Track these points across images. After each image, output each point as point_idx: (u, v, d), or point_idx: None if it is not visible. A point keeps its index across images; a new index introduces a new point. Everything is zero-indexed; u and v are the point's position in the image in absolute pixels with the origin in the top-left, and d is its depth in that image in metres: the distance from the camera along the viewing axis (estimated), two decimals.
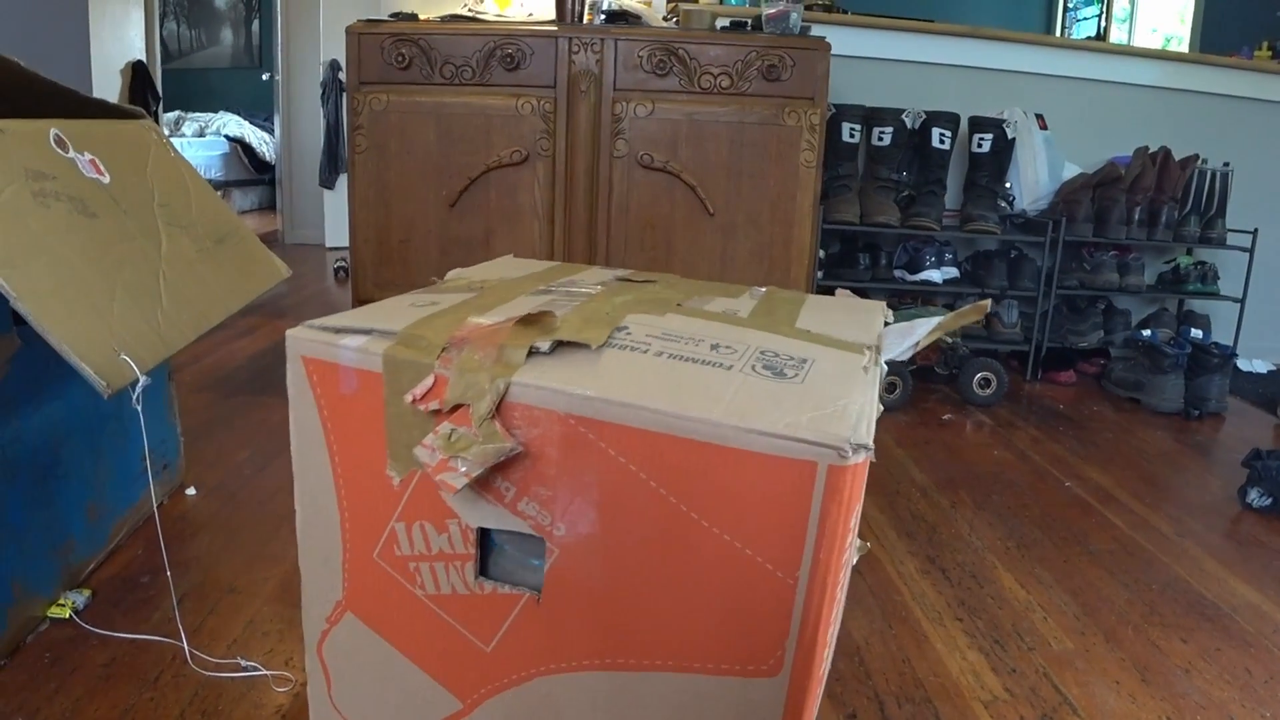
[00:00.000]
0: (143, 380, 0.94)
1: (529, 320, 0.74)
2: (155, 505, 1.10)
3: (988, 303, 0.90)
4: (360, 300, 2.21)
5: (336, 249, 3.95)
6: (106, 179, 1.13)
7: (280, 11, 4.29)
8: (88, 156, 1.12)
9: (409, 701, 0.84)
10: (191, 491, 1.53)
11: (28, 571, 1.08)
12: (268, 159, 4.87)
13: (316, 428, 0.77)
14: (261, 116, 5.11)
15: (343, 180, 4.02)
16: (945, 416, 2.25)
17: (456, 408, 0.69)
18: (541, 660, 0.76)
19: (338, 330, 0.75)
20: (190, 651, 1.06)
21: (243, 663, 1.06)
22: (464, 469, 0.67)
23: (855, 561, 0.82)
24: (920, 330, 0.86)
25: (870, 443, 0.62)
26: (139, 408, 0.95)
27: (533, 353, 0.71)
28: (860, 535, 1.48)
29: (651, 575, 0.69)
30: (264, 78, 4.59)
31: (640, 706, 0.73)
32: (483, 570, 0.76)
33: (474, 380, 0.69)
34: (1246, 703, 1.10)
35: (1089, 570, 1.44)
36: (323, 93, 3.94)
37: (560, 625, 0.74)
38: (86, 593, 1.17)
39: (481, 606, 0.76)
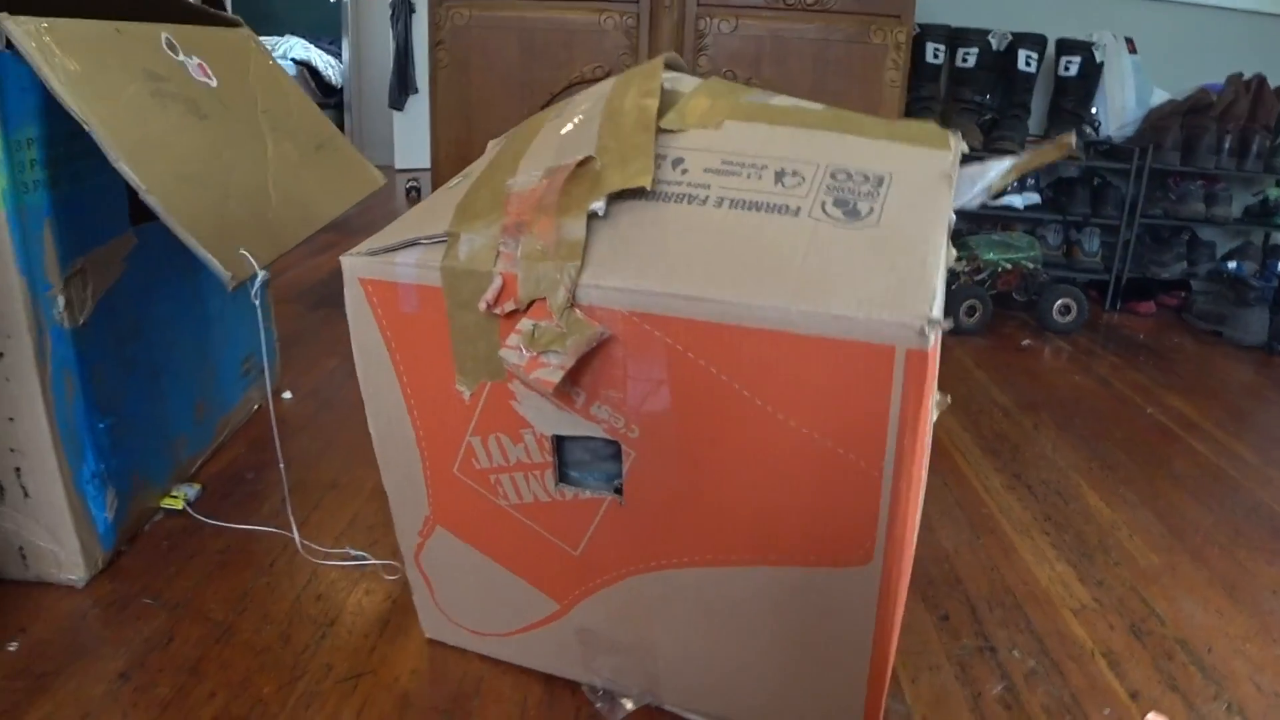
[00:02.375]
0: (261, 275, 0.98)
1: (572, 178, 0.70)
2: (270, 400, 1.13)
3: (1071, 138, 0.80)
4: None
5: (407, 170, 3.97)
6: (214, 83, 1.15)
7: None
8: (196, 60, 1.14)
9: (509, 604, 0.86)
10: (288, 395, 1.59)
11: (145, 464, 1.14)
12: (334, 83, 4.89)
13: (381, 350, 0.76)
14: (327, 40, 5.12)
15: (413, 101, 4.03)
16: (1024, 342, 2.23)
17: (530, 305, 0.67)
18: (630, 561, 0.76)
19: (389, 249, 0.72)
20: (301, 541, 1.11)
21: (351, 552, 1.11)
22: (557, 361, 0.65)
23: (936, 418, 0.77)
24: (994, 170, 0.78)
25: (940, 313, 0.58)
26: (257, 302, 0.99)
27: (590, 217, 0.67)
28: (943, 451, 1.49)
29: (731, 472, 0.68)
30: (331, 1, 4.59)
31: (732, 600, 0.74)
32: (563, 477, 0.76)
33: (544, 272, 0.66)
34: None
35: (1173, 493, 1.43)
36: (392, 14, 3.94)
37: (645, 526, 0.74)
38: (197, 486, 1.23)
39: (565, 512, 0.77)
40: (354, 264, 0.74)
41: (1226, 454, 1.61)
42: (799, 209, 0.67)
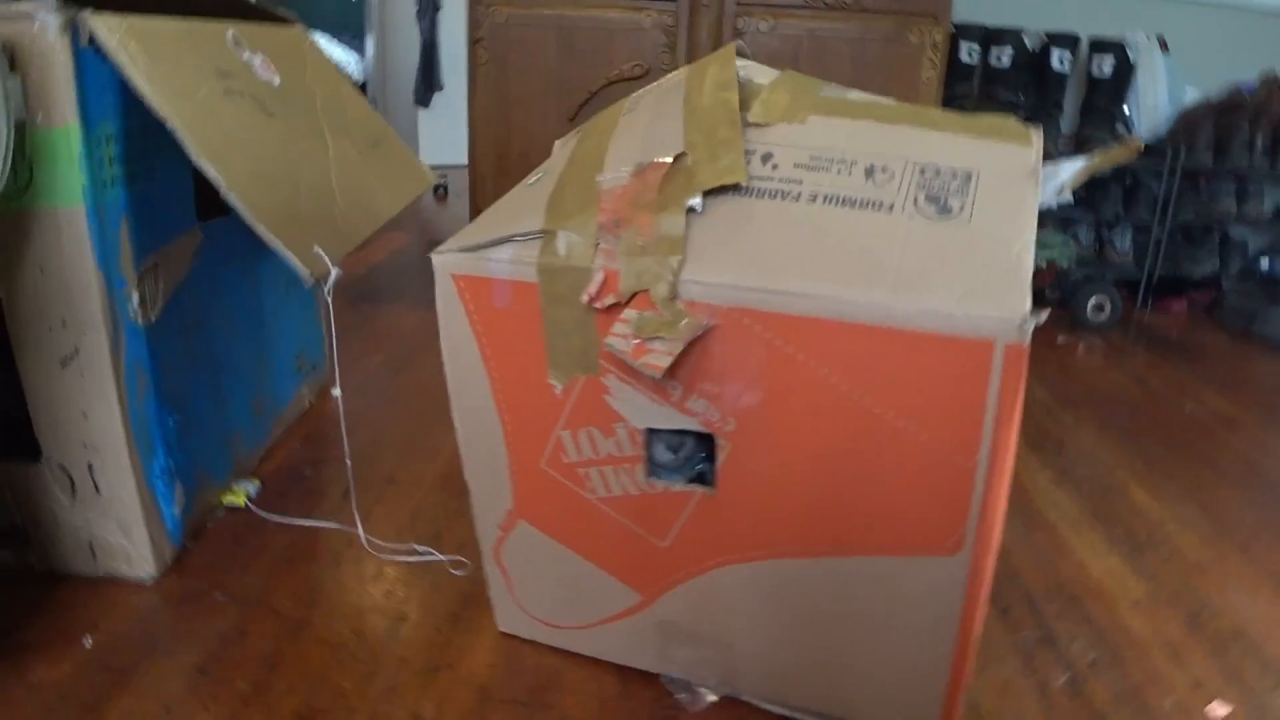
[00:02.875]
0: (335, 272, 0.99)
1: (666, 175, 0.71)
2: (338, 390, 1.14)
3: (1139, 141, 0.84)
4: (478, 211, 2.25)
5: (434, 167, 3.98)
6: (277, 80, 1.17)
7: None
8: (259, 58, 1.16)
9: (591, 596, 0.87)
10: (337, 392, 1.60)
11: (208, 460, 1.15)
12: (356, 79, 4.91)
13: (471, 344, 0.77)
14: (348, 36, 5.14)
15: (438, 98, 4.04)
16: (1059, 339, 2.24)
17: (632, 298, 0.69)
18: (718, 553, 0.78)
19: (483, 246, 0.74)
20: (366, 537, 1.12)
21: (417, 548, 1.12)
22: (664, 348, 0.66)
23: None
24: (1066, 171, 0.80)
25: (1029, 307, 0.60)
26: (330, 298, 1.00)
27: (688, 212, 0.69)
28: None
29: (824, 465, 0.69)
30: None
31: (819, 590, 0.75)
32: (649, 471, 0.78)
33: (646, 266, 0.68)
34: None
35: (1218, 489, 1.44)
36: (418, 9, 3.95)
37: (735, 519, 0.75)
38: (256, 482, 1.24)
39: (654, 505, 0.78)
40: (446, 260, 0.75)
41: (1269, 451, 1.62)
42: (892, 205, 0.68)
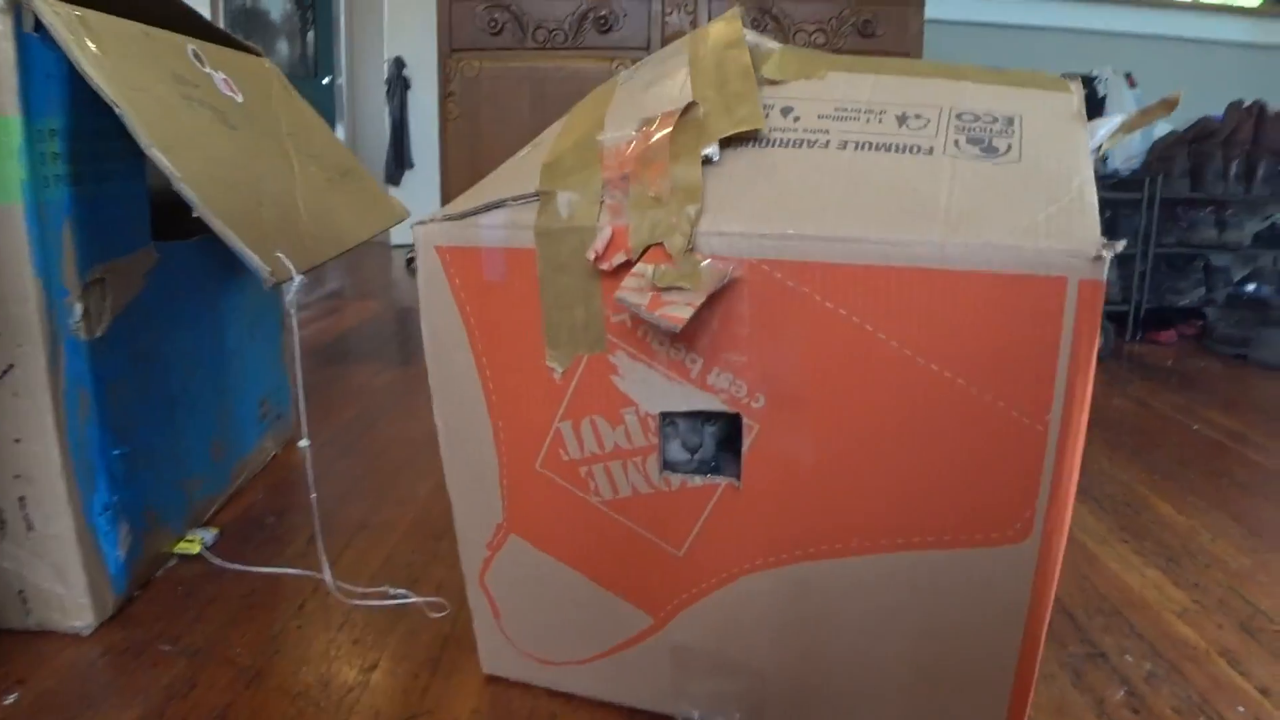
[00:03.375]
0: (299, 279, 0.91)
1: (676, 128, 0.63)
2: (305, 440, 1.05)
3: (1178, 96, 0.79)
4: None
5: (404, 245, 3.95)
6: (240, 99, 1.11)
7: (344, 17, 4.34)
8: (221, 75, 1.10)
9: (592, 623, 0.75)
10: (304, 444, 1.50)
11: (160, 502, 1.05)
12: None
13: (457, 327, 0.68)
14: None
15: (409, 176, 4.03)
16: None
17: (643, 254, 0.60)
18: (745, 558, 0.67)
19: (472, 212, 0.65)
20: (334, 582, 1.02)
21: (391, 591, 1.02)
22: (684, 299, 0.57)
23: None
24: (1103, 130, 0.73)
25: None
26: (293, 310, 0.92)
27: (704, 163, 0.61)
28: None
29: (871, 439, 0.60)
30: (324, 82, 4.64)
31: (866, 596, 0.64)
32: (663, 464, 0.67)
33: (659, 218, 0.60)
34: None
35: (1242, 498, 1.37)
36: (388, 90, 3.97)
37: (766, 514, 0.65)
38: (214, 531, 1.14)
39: (669, 505, 0.67)
40: (430, 231, 0.67)
41: None
42: (931, 148, 0.61)
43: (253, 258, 0.84)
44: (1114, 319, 2.53)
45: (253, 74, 1.22)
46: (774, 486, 0.64)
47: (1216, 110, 2.55)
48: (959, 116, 0.64)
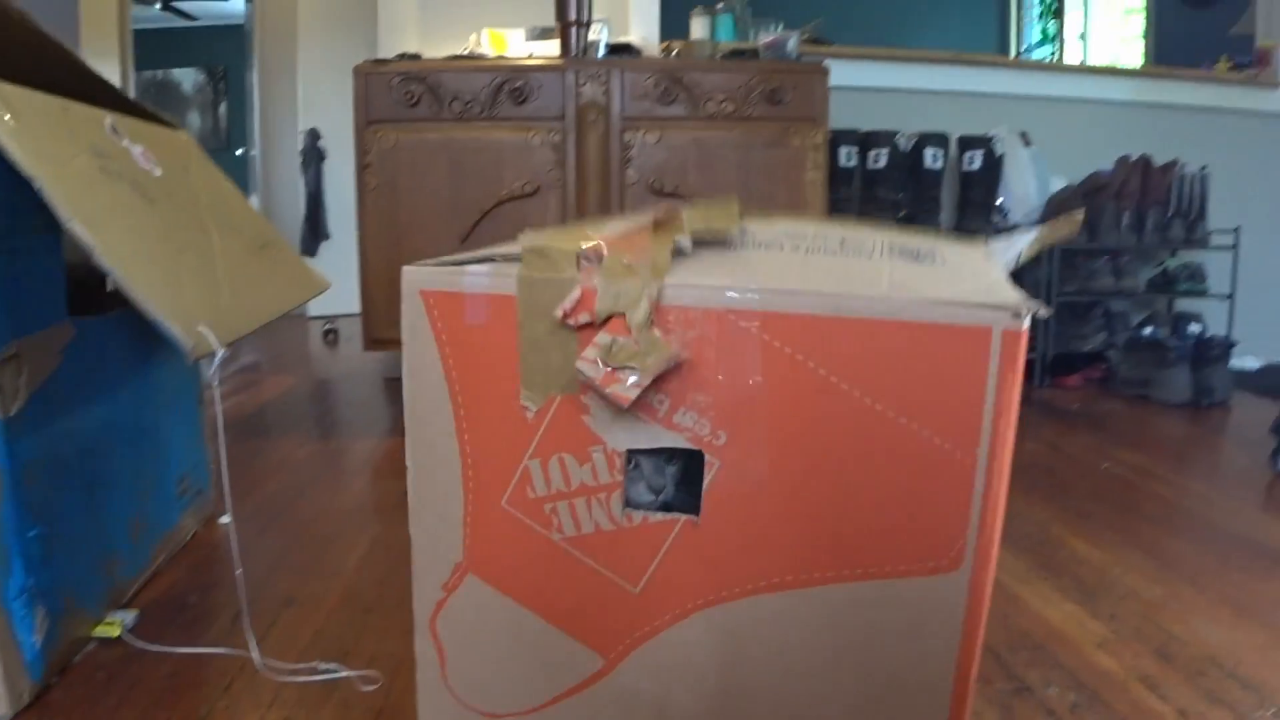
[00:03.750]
0: (222, 352, 0.91)
1: (659, 224, 0.71)
2: (228, 516, 1.02)
3: (1080, 215, 0.89)
4: (374, 341, 2.17)
5: (321, 317, 3.91)
6: (158, 172, 1.11)
7: (257, 88, 4.33)
8: (140, 148, 1.10)
9: (541, 667, 0.76)
10: (226, 520, 1.47)
11: (78, 585, 1.02)
12: None
13: (436, 367, 0.72)
14: None
15: (325, 247, 4.00)
16: None
17: (606, 320, 0.66)
18: (699, 593, 0.70)
19: (459, 262, 0.70)
20: (261, 660, 1.00)
21: (321, 666, 1.00)
22: (633, 379, 0.64)
23: None
24: (1021, 242, 0.85)
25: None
26: (215, 383, 0.91)
27: (674, 254, 0.68)
28: None
29: (823, 474, 0.66)
30: (238, 153, 4.60)
31: (812, 626, 0.69)
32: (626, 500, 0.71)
33: (625, 288, 0.66)
34: None
35: (1151, 532, 1.43)
36: (302, 161, 3.95)
37: (721, 549, 0.69)
38: (134, 612, 1.10)
39: (629, 541, 0.71)
40: (417, 275, 0.70)
41: (1188, 494, 1.63)
42: (871, 256, 0.70)
43: (175, 331, 0.84)
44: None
45: (170, 147, 1.22)
46: (731, 521, 0.68)
47: (1106, 165, 2.70)
48: (890, 245, 0.74)
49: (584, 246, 0.68)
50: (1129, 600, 1.17)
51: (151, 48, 4.86)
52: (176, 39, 5.03)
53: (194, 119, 4.96)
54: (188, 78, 4.96)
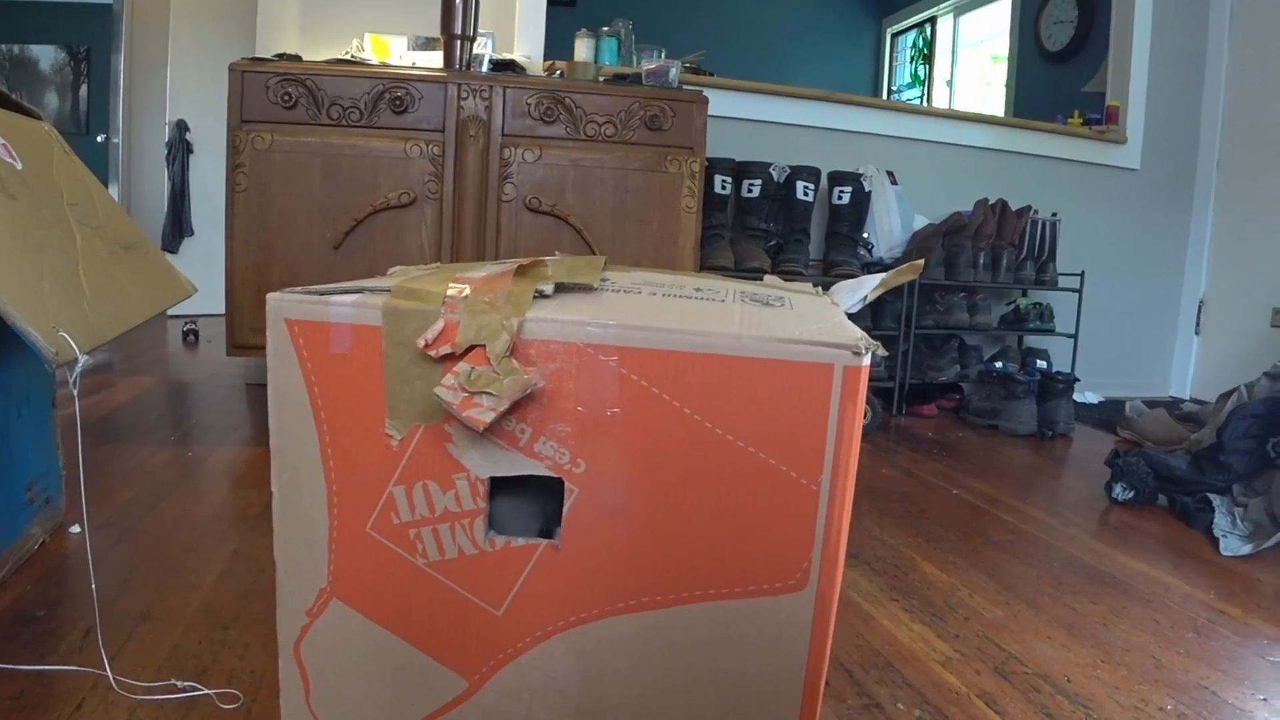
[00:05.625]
0: (83, 360, 0.88)
1: (523, 270, 0.74)
2: (77, 526, 0.98)
3: (921, 262, 0.96)
4: (238, 346, 2.11)
5: (180, 316, 3.75)
6: (19, 165, 1.06)
7: (123, 73, 4.12)
8: (0, 140, 1.05)
9: (405, 690, 0.77)
10: (76, 530, 1.41)
11: None
12: None
13: (302, 394, 0.72)
14: None
15: (187, 244, 3.84)
16: None
17: (468, 351, 0.68)
18: (560, 615, 0.73)
19: (325, 292, 0.71)
20: (115, 678, 0.96)
21: (179, 684, 0.97)
22: (490, 404, 0.66)
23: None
24: (868, 284, 0.92)
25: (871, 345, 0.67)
26: (74, 391, 0.88)
27: (537, 295, 0.71)
28: None
29: (677, 500, 0.69)
30: (99, 139, 4.37)
31: (668, 645, 0.72)
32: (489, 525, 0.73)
33: (486, 321, 0.68)
34: (1162, 644, 1.21)
35: (995, 556, 1.52)
36: (168, 153, 3.79)
37: (581, 572, 0.71)
38: None
39: (492, 566, 0.73)
40: (281, 303, 0.70)
41: (1030, 520, 1.75)
42: (724, 300, 0.76)
43: (36, 338, 0.81)
44: (880, 395, 2.75)
45: (32, 138, 1.17)
46: (590, 546, 0.71)
47: (966, 206, 2.85)
48: (742, 292, 0.80)
49: (450, 290, 0.70)
50: (973, 621, 1.24)
51: (8, 20, 4.58)
52: (37, 13, 4.75)
53: (51, 99, 4.68)
54: (46, 55, 4.69)
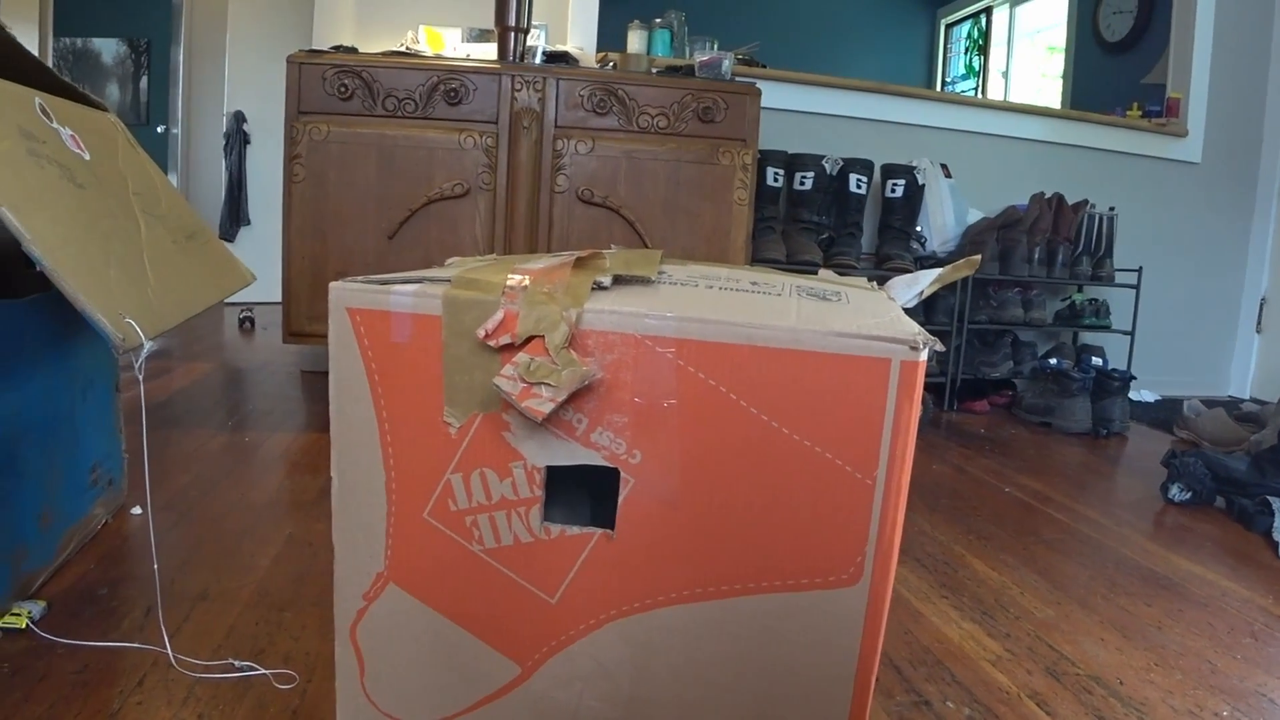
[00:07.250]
0: (148, 345, 0.90)
1: (581, 262, 0.75)
2: (139, 508, 1.00)
3: (978, 258, 0.95)
4: (294, 334, 2.14)
5: (237, 304, 3.82)
6: (87, 156, 1.09)
7: (182, 65, 4.21)
8: (69, 131, 1.08)
9: (458, 675, 0.78)
10: (137, 511, 1.44)
11: None
12: None
13: (362, 382, 0.73)
14: None
15: (244, 233, 3.91)
16: None
17: (528, 341, 0.68)
18: (612, 604, 0.73)
19: (387, 281, 0.72)
20: (175, 656, 0.99)
21: (236, 664, 0.99)
22: (548, 394, 0.66)
23: None
24: (924, 280, 0.91)
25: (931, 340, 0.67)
26: (140, 376, 0.90)
27: (595, 287, 0.72)
28: None
29: (731, 492, 0.69)
30: (159, 130, 4.46)
31: (719, 637, 0.72)
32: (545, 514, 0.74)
33: (546, 312, 0.68)
34: (1218, 649, 1.19)
35: (1047, 555, 1.50)
36: (226, 144, 3.86)
37: (634, 562, 0.72)
38: (42, 604, 1.08)
39: (547, 553, 0.73)
40: (343, 292, 0.71)
41: (1083, 520, 1.72)
42: (780, 294, 0.76)
43: (104, 324, 0.83)
44: (932, 390, 2.72)
45: (99, 130, 1.20)
46: (644, 536, 0.71)
47: (1021, 200, 2.81)
48: (798, 286, 0.80)
49: (510, 280, 0.71)
50: (1023, 620, 1.23)
51: (71, 14, 4.69)
52: (99, 7, 4.86)
53: (113, 91, 4.79)
54: (108, 48, 4.80)
